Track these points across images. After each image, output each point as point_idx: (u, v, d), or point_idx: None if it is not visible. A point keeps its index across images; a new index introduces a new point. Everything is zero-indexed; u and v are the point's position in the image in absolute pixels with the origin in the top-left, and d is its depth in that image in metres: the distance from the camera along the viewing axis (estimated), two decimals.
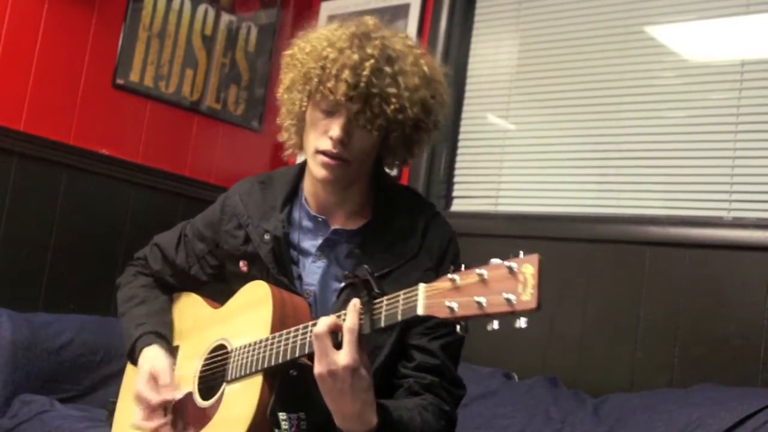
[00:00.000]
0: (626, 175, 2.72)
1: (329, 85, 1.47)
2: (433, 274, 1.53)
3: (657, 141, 2.67)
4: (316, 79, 1.49)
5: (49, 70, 2.89)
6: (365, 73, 1.46)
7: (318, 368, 1.32)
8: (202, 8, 3.33)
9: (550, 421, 2.26)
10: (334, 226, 1.60)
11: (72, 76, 2.96)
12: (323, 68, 1.49)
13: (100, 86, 3.04)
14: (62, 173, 2.92)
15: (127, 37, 3.10)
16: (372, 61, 1.47)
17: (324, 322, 1.33)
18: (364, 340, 1.33)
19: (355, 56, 1.47)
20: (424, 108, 1.54)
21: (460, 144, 3.14)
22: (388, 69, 1.48)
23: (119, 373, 1.85)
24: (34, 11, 2.85)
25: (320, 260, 1.59)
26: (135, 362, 1.68)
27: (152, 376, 1.61)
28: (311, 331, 1.36)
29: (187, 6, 3.28)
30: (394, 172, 1.68)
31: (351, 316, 1.31)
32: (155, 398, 1.59)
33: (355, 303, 1.32)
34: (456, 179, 3.14)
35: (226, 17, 3.41)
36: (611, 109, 2.79)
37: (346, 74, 1.46)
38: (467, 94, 3.16)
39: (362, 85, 1.46)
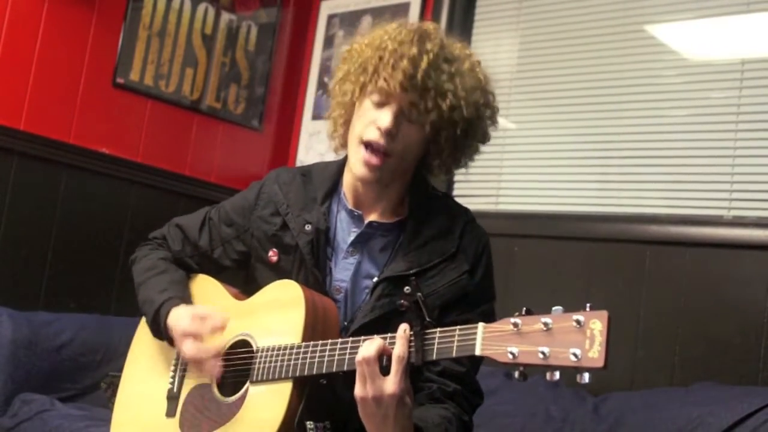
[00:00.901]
0: (626, 173, 2.72)
1: (385, 74, 1.47)
2: (469, 277, 1.53)
3: (657, 140, 2.67)
4: (372, 68, 1.49)
5: (49, 69, 2.89)
6: (423, 65, 1.46)
7: (362, 392, 1.31)
8: (202, 7, 3.33)
9: (550, 420, 2.26)
10: (369, 219, 1.59)
11: (72, 76, 2.96)
12: (381, 58, 1.49)
13: (100, 85, 3.04)
14: (62, 172, 2.92)
15: (127, 36, 3.10)
16: (431, 55, 1.47)
17: (373, 347, 1.31)
18: (409, 368, 1.32)
19: (414, 49, 1.47)
20: (478, 113, 1.53)
21: None
22: (446, 66, 1.49)
23: (119, 372, 1.84)
24: (34, 11, 2.85)
25: (352, 256, 1.58)
26: (159, 326, 1.62)
27: (196, 316, 1.56)
28: (350, 348, 1.35)
29: (187, 5, 3.28)
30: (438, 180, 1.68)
31: (401, 343, 1.30)
32: (206, 328, 1.54)
33: (405, 329, 1.31)
34: (456, 178, 3.13)
35: (226, 16, 3.41)
36: (611, 108, 2.79)
37: (404, 64, 1.45)
38: None
39: (419, 76, 1.45)
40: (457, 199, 3.12)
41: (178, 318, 1.58)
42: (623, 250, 2.57)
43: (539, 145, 2.95)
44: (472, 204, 3.08)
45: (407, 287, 1.30)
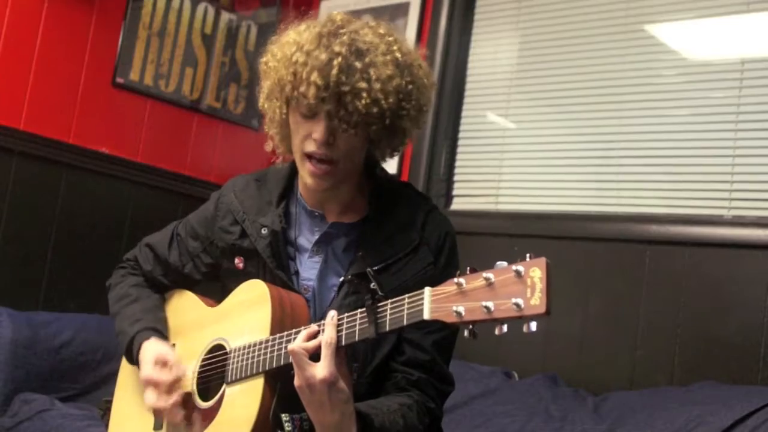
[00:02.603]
0: (626, 173, 2.72)
1: (301, 89, 1.46)
2: (433, 268, 1.54)
3: (657, 139, 2.67)
4: (289, 86, 1.48)
5: (49, 68, 2.89)
6: (333, 72, 1.43)
7: (296, 381, 1.33)
8: (201, 7, 3.33)
9: (550, 419, 2.26)
10: (332, 220, 1.59)
11: (72, 75, 2.96)
12: (294, 73, 1.47)
13: (100, 85, 3.04)
14: (62, 172, 2.92)
15: (126, 36, 3.10)
16: (339, 58, 1.45)
17: (301, 337, 1.35)
18: (342, 352, 1.35)
19: (323, 56, 1.45)
20: (402, 96, 1.51)
21: (460, 142, 3.14)
22: (357, 64, 1.45)
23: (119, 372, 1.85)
24: (34, 10, 2.85)
25: (317, 255, 1.58)
26: (133, 359, 1.66)
27: (158, 361, 1.58)
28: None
29: (187, 5, 3.28)
30: (387, 163, 1.67)
31: (329, 329, 1.33)
32: (167, 377, 1.56)
33: (333, 316, 1.34)
34: (456, 177, 3.14)
35: (225, 16, 3.41)
36: (611, 108, 2.79)
37: (315, 76, 1.44)
38: (467, 93, 3.16)
39: (332, 84, 1.43)
40: (457, 199, 3.16)
41: (143, 358, 1.61)
42: (623, 249, 2.58)
43: (539, 144, 2.95)
44: (472, 203, 3.13)
45: (373, 284, 1.31)
